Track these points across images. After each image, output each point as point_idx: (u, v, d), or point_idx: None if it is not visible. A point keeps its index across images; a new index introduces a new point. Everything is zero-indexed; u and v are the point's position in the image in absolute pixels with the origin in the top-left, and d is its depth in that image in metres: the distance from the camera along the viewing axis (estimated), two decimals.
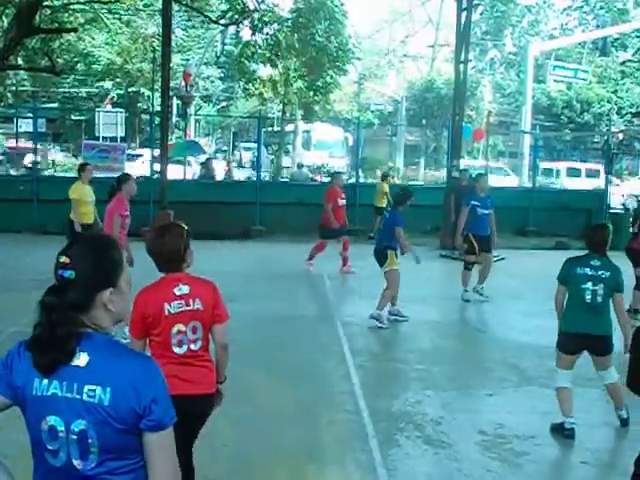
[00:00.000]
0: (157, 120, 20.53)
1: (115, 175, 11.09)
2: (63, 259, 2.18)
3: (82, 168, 12.02)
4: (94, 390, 2.09)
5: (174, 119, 31.62)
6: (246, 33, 30.12)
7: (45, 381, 2.13)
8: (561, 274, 6.12)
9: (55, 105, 41.40)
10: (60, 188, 12.78)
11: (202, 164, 24.79)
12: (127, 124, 30.44)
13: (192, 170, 26.99)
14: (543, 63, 39.44)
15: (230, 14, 26.43)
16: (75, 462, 2.12)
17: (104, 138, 24.88)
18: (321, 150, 36.51)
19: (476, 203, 11.54)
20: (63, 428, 2.11)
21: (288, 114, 36.07)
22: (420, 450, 5.71)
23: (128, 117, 32.13)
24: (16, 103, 38.06)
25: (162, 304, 3.95)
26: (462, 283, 11.56)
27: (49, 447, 2.14)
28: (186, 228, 4.08)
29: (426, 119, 44.02)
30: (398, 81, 54.80)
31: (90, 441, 2.10)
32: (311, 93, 30.26)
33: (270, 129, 40.73)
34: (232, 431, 5.86)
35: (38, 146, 22.16)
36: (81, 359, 2.12)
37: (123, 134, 27.17)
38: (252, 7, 25.19)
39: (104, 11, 28.77)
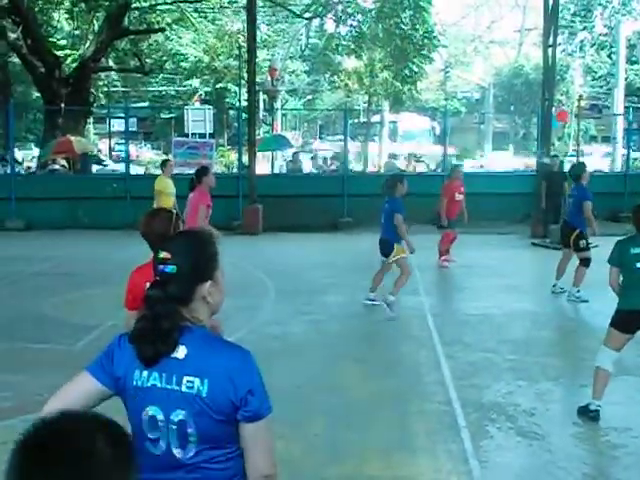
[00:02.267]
0: (244, 115, 20.84)
1: None
2: (164, 255, 2.26)
3: (164, 163, 13.64)
4: (192, 382, 2.15)
5: (261, 114, 31.96)
6: (330, 25, 30.28)
7: (145, 372, 2.20)
8: (613, 256, 6.12)
9: (145, 104, 42.48)
10: (151, 185, 13.18)
11: (290, 161, 24.87)
12: (215, 120, 30.98)
13: (278, 163, 27.14)
14: (636, 43, 37.90)
15: (314, 7, 26.61)
16: (175, 451, 2.19)
17: (193, 135, 25.38)
18: (408, 141, 36.15)
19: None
20: (163, 418, 2.18)
21: (374, 105, 35.98)
22: (513, 442, 5.63)
23: (216, 113, 32.68)
24: (108, 103, 39.25)
25: (145, 285, 4.07)
26: (577, 282, 10.42)
27: (150, 436, 2.21)
28: (175, 212, 4.29)
29: (514, 105, 43.21)
30: (485, 68, 53.87)
31: (189, 431, 2.17)
32: (398, 83, 30.09)
33: (356, 121, 40.69)
34: (323, 421, 5.92)
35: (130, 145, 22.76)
36: (180, 351, 2.18)
37: (212, 130, 27.65)
38: None
39: (190, 10, 29.33)
